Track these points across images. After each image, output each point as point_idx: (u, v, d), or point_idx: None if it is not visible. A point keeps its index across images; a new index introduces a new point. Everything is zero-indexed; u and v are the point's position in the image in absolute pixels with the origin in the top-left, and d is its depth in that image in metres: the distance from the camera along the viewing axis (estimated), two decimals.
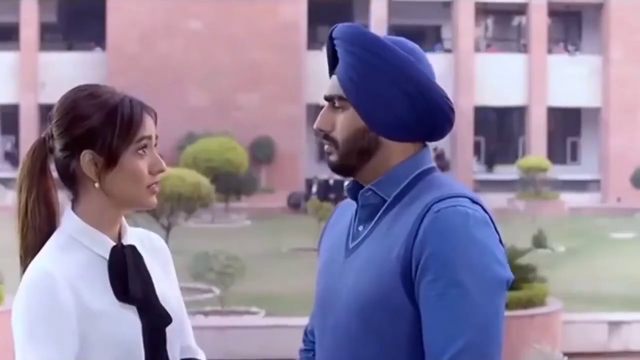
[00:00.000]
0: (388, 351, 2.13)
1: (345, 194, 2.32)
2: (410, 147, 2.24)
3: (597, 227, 30.22)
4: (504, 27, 46.35)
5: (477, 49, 42.90)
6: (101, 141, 2.19)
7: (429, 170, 2.24)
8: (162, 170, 2.24)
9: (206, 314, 14.37)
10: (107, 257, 2.22)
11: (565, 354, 9.03)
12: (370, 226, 2.22)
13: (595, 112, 42.69)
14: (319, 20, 39.57)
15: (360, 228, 2.24)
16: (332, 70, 2.28)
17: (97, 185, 2.21)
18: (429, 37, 45.32)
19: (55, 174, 2.28)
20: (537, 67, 41.69)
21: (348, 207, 2.34)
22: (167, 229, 16.56)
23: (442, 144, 42.45)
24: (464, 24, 42.04)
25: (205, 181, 17.68)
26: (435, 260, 2.07)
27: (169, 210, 16.76)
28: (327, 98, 2.26)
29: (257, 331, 13.46)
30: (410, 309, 2.10)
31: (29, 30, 40.69)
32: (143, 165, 2.21)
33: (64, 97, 2.25)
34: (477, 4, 42.32)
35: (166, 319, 2.25)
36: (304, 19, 40.59)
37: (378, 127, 2.20)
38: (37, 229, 2.25)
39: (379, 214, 2.22)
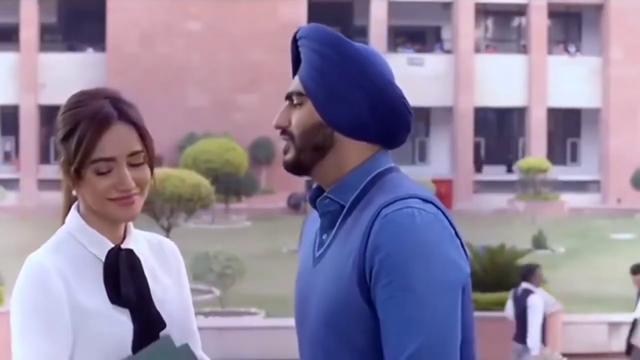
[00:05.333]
0: (357, 357, 2.13)
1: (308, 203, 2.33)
2: (366, 149, 2.23)
3: (597, 228, 30.23)
4: (503, 28, 46.36)
5: (477, 50, 42.91)
6: (67, 153, 2.18)
7: (385, 172, 2.22)
8: (128, 189, 2.18)
9: (206, 314, 14.37)
10: (104, 258, 2.22)
11: (565, 355, 9.03)
12: (332, 234, 2.22)
13: (595, 112, 42.69)
14: (319, 20, 39.01)
15: (324, 236, 2.24)
16: (295, 72, 2.30)
17: (74, 192, 2.22)
18: (429, 38, 45.35)
19: None
20: (537, 68, 41.69)
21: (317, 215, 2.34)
22: (167, 229, 16.56)
23: (442, 144, 42.47)
24: (464, 24, 42.04)
25: (205, 182, 17.66)
26: (386, 265, 2.07)
27: (169, 211, 16.77)
28: (286, 96, 2.28)
29: (257, 332, 13.47)
30: (370, 314, 2.10)
31: (28, 31, 40.68)
32: (104, 182, 2.17)
33: (68, 99, 2.26)
34: (477, 5, 42.33)
35: (159, 323, 2.24)
36: (304, 20, 40.59)
37: (334, 122, 2.20)
38: (63, 217, 2.28)
39: (338, 221, 2.22)
